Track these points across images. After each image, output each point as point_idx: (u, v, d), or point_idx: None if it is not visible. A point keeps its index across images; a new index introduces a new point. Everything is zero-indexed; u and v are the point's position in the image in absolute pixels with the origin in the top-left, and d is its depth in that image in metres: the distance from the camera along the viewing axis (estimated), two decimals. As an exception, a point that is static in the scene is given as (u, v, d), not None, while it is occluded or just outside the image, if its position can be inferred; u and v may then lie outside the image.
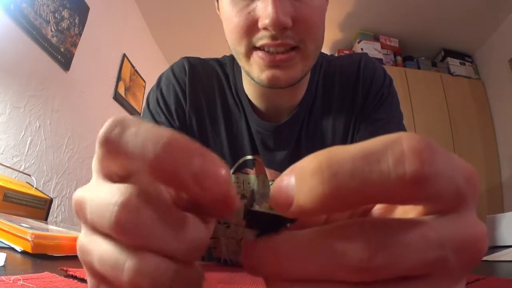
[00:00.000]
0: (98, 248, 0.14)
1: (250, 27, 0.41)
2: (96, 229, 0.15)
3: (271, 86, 0.44)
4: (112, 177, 0.16)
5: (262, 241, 0.14)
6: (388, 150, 0.11)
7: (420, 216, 0.13)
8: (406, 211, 0.15)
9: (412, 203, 0.13)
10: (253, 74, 0.44)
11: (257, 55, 0.43)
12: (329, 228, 0.12)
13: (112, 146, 0.14)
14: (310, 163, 0.12)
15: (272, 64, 0.42)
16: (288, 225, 0.14)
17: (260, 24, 0.40)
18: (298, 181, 0.12)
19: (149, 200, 0.14)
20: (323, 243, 0.12)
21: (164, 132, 0.13)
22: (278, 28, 0.39)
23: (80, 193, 0.16)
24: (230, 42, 0.45)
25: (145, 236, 0.13)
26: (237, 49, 0.44)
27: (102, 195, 0.14)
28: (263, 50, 0.42)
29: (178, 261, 0.14)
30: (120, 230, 0.13)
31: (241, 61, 0.45)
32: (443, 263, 0.12)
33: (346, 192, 0.11)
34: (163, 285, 0.13)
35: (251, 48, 0.43)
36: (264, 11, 0.39)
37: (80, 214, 0.16)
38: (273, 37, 0.40)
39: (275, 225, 0.13)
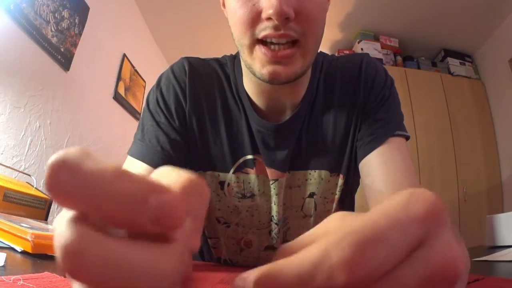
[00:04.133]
0: None
1: (254, 18, 0.43)
2: None
3: (271, 81, 0.45)
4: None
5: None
6: (319, 267, 0.12)
7: None
8: None
9: None
10: (255, 69, 0.45)
11: (259, 50, 0.44)
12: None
13: (62, 192, 0.12)
14: (254, 275, 0.12)
15: (274, 60, 0.43)
16: None
17: (263, 14, 0.42)
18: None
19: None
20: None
21: (110, 172, 0.12)
22: (281, 17, 0.40)
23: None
24: (235, 35, 0.46)
25: None
26: (241, 42, 0.45)
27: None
28: (266, 45, 0.43)
29: None
30: None
31: (244, 53, 0.46)
32: None
33: None
34: None
35: (255, 41, 0.44)
36: (268, 2, 0.41)
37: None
38: (276, 28, 0.42)
39: None
